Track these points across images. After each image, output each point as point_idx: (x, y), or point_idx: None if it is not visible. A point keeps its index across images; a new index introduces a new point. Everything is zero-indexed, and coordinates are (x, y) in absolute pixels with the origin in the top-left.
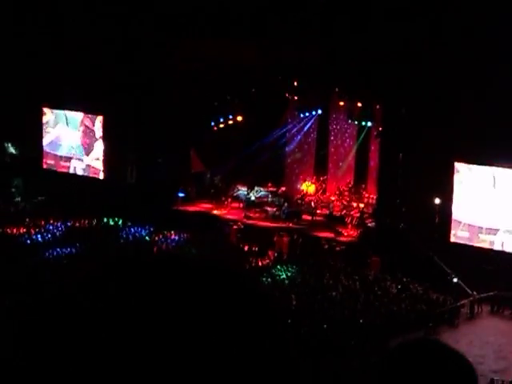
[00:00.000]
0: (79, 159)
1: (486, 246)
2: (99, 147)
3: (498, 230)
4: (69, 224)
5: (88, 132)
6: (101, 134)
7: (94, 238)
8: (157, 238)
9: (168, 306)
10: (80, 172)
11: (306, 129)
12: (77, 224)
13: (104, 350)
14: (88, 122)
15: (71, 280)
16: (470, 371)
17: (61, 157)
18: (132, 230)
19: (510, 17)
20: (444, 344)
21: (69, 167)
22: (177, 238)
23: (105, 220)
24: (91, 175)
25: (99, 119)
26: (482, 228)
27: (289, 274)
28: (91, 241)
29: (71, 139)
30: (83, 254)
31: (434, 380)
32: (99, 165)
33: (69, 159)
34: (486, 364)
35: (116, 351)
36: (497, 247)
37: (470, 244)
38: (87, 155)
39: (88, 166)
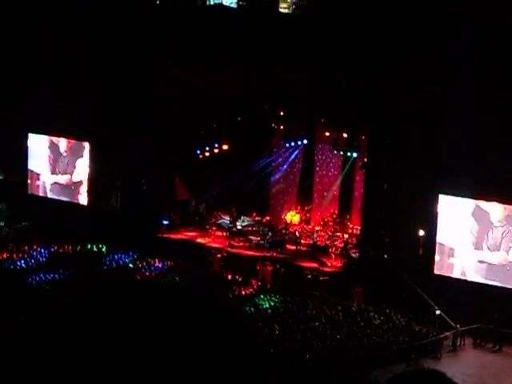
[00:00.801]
0: (45, 175)
1: (450, 271)
2: (65, 163)
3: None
4: (52, 250)
5: (53, 147)
6: (65, 148)
7: (77, 265)
8: (140, 265)
9: (147, 335)
10: (48, 188)
11: (291, 159)
12: (60, 250)
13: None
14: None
15: (52, 308)
16: None
17: (36, 174)
18: (116, 256)
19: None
20: (443, 374)
21: (39, 186)
22: (160, 265)
23: (88, 246)
24: (60, 195)
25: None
26: (452, 250)
27: (272, 304)
28: (75, 267)
29: (39, 152)
30: (66, 281)
31: None
32: (63, 180)
33: (38, 176)
34: None
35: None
36: (456, 271)
37: (440, 272)
38: (53, 173)
39: (55, 183)
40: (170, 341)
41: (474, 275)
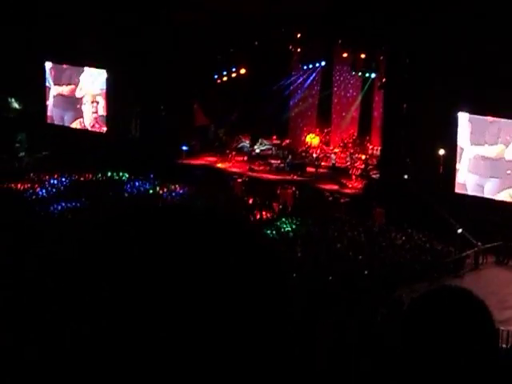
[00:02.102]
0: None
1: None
2: (68, 75)
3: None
4: (73, 178)
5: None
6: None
7: (98, 192)
8: (161, 192)
9: (176, 254)
10: (51, 103)
11: (309, 81)
12: (81, 178)
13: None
14: None
15: (78, 232)
16: (490, 320)
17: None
18: (136, 183)
19: None
20: (469, 291)
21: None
22: (181, 191)
23: (109, 174)
24: (64, 110)
25: None
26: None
27: (293, 227)
28: (96, 194)
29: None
30: (88, 208)
31: (457, 328)
32: (67, 91)
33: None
34: None
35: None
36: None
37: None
38: (56, 84)
39: (59, 94)
40: (200, 260)
41: (472, 176)
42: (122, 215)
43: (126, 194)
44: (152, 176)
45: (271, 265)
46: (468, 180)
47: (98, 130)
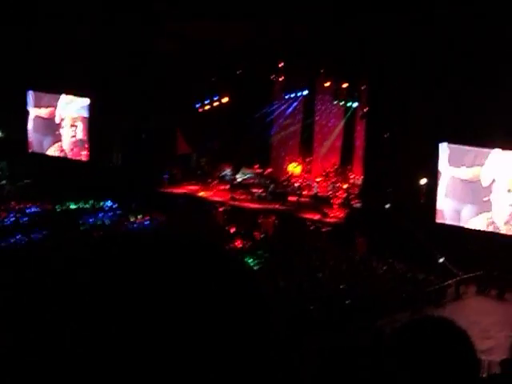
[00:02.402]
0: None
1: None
2: (47, 98)
3: None
4: (55, 206)
5: None
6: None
7: (78, 221)
8: (142, 220)
9: (155, 281)
10: (31, 126)
11: (291, 110)
12: (62, 207)
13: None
14: None
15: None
16: (472, 349)
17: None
18: (117, 211)
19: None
20: (451, 321)
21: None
22: (163, 219)
23: (91, 202)
24: (43, 134)
25: None
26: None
27: (275, 256)
28: (77, 223)
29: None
30: (67, 236)
31: (438, 357)
32: (46, 113)
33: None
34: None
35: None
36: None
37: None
38: (36, 107)
39: (37, 117)
40: (180, 288)
41: (450, 201)
42: (100, 243)
43: (107, 222)
44: (133, 204)
45: (252, 291)
46: (445, 205)
47: (76, 156)
